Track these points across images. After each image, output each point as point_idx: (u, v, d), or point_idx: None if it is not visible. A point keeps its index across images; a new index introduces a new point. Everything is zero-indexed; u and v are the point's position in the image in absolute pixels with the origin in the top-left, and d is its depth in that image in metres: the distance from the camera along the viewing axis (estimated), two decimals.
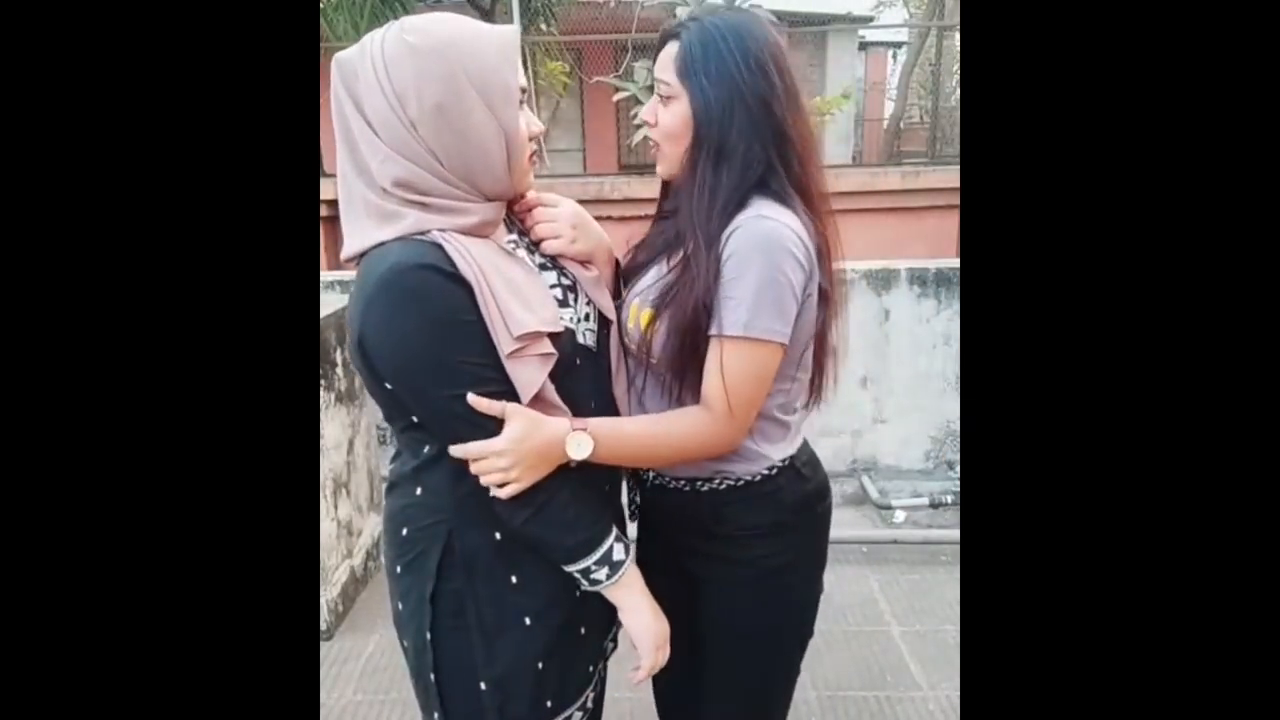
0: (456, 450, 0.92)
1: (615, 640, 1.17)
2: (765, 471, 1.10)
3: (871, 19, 13.94)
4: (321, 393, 2.38)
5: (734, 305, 0.97)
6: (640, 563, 1.04)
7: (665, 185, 1.16)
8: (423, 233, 0.90)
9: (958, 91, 9.12)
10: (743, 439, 1.05)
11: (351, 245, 0.95)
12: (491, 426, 0.90)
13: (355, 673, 2.24)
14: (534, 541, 0.98)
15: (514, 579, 1.00)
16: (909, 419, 3.24)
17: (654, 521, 1.18)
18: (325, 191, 4.62)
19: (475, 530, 0.98)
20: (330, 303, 2.57)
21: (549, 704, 1.04)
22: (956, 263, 3.20)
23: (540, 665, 1.02)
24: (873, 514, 3.11)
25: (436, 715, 1.05)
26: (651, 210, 1.20)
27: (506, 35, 0.93)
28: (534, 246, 1.05)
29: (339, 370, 2.51)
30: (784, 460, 1.12)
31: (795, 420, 1.14)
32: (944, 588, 2.57)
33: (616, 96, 5.19)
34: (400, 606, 1.05)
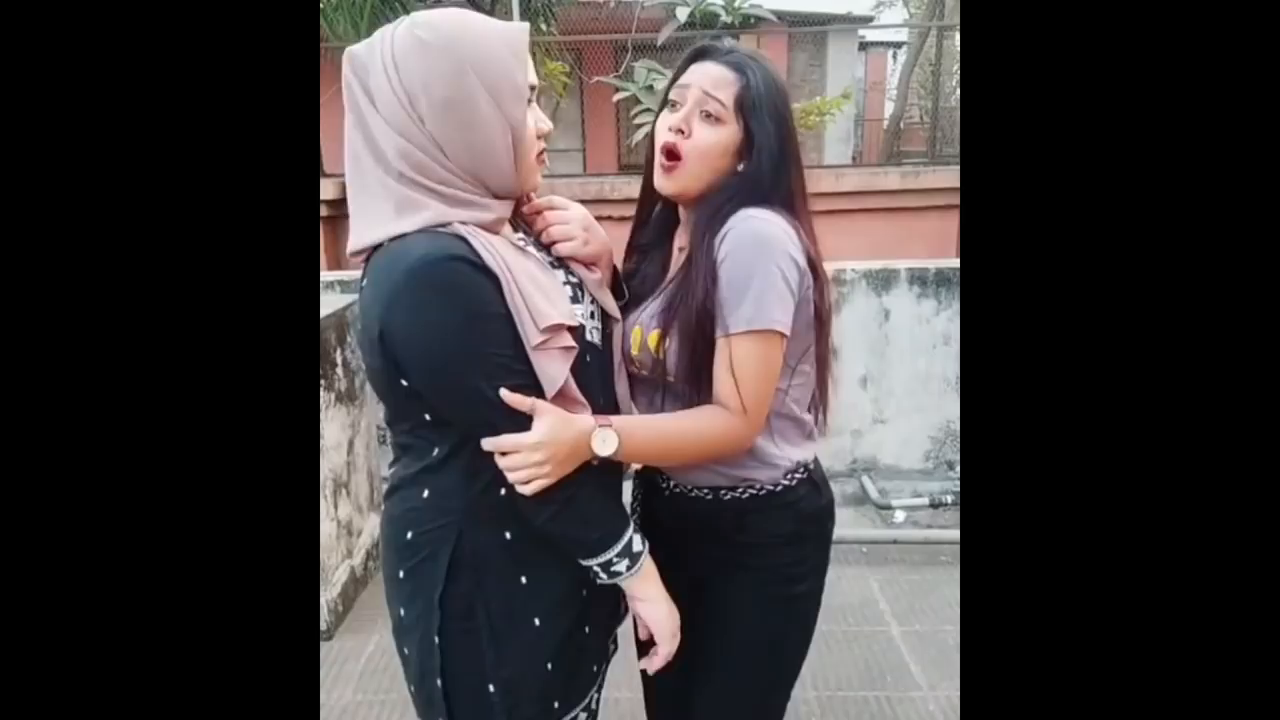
0: (489, 443, 0.91)
1: (616, 641, 1.17)
2: (786, 481, 1.12)
3: (871, 19, 13.95)
4: (321, 393, 2.38)
5: (735, 304, 0.99)
6: None
7: (646, 196, 1.17)
8: (444, 225, 0.90)
9: (958, 91, 9.11)
10: (757, 434, 1.06)
11: (364, 236, 0.93)
12: (523, 420, 0.90)
13: (355, 673, 2.23)
14: (557, 538, 0.97)
15: (523, 579, 0.99)
16: (909, 419, 3.24)
17: (665, 527, 1.18)
18: (325, 192, 4.62)
19: (485, 531, 0.98)
20: (330, 303, 2.57)
21: (556, 705, 1.04)
22: (956, 263, 3.19)
23: (549, 666, 1.01)
24: (873, 514, 3.11)
25: None
26: None
27: (517, 32, 0.93)
28: (540, 246, 1.06)
29: (339, 370, 2.50)
30: (803, 468, 1.14)
31: (810, 420, 1.16)
32: (944, 588, 2.57)
33: (616, 96, 5.17)
34: (402, 612, 1.02)
